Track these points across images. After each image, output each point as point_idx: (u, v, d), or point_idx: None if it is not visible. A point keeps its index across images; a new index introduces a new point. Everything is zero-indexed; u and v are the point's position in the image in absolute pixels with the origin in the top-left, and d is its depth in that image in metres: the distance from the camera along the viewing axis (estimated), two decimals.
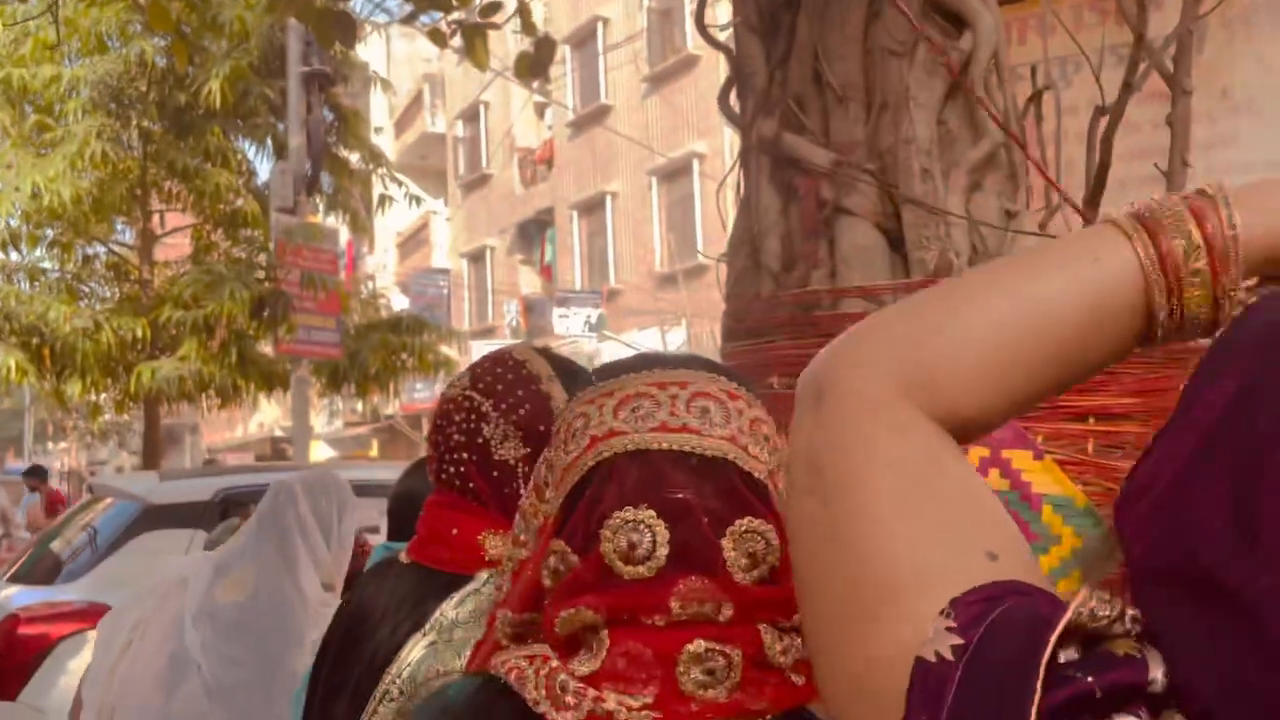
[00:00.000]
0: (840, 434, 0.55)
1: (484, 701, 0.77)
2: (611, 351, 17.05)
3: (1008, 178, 1.96)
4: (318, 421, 19.42)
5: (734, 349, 2.26)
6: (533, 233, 21.03)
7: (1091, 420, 1.77)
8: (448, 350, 10.28)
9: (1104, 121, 1.85)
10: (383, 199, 10.60)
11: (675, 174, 17.07)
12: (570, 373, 1.24)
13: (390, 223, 21.39)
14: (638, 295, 17.32)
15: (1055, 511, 1.76)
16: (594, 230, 19.30)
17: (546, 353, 1.25)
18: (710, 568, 0.74)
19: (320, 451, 22.66)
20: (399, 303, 16.32)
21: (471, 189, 22.66)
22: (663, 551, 0.74)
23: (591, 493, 0.77)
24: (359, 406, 12.17)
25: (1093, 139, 1.84)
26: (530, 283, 20.89)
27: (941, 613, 0.50)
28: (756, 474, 0.78)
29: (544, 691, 0.73)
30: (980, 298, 0.57)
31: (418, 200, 11.43)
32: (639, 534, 0.74)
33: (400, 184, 10.71)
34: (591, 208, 19.15)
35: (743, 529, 0.76)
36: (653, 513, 0.75)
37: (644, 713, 0.71)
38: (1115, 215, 0.58)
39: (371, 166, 10.61)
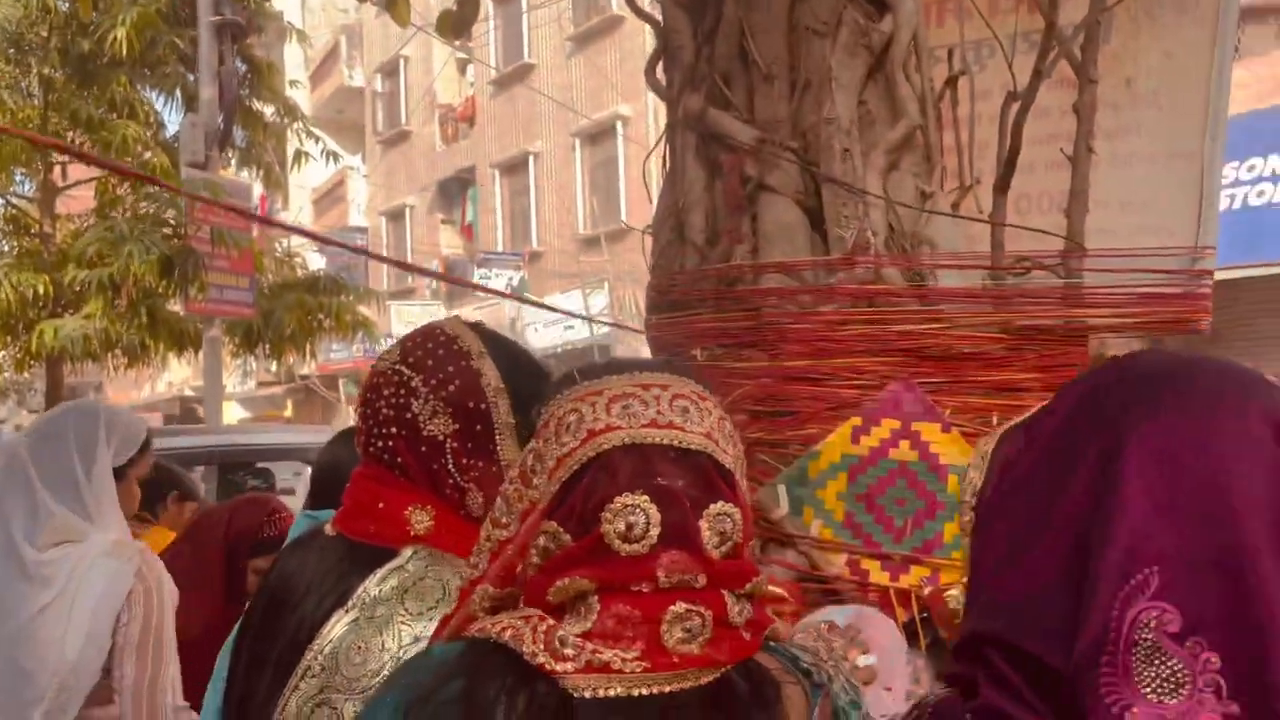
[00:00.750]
0: None
1: (474, 659, 0.85)
2: (533, 315, 16.97)
3: (923, 159, 2.02)
4: (230, 381, 18.93)
5: (659, 320, 2.29)
6: (454, 192, 20.71)
7: (995, 394, 1.85)
8: (366, 311, 10.10)
9: (1015, 106, 1.92)
10: (298, 154, 10.31)
11: (599, 136, 16.97)
12: (503, 348, 1.25)
13: (305, 179, 20.83)
14: (561, 257, 17.25)
15: (961, 482, 1.84)
16: (516, 190, 19.10)
17: (478, 328, 1.27)
18: (690, 544, 0.85)
19: (233, 412, 22.13)
20: (315, 262, 15.95)
21: (391, 145, 22.18)
22: (655, 531, 0.84)
23: (589, 480, 0.87)
24: (273, 367, 11.90)
25: (1004, 123, 1.91)
26: (451, 243, 20.60)
27: None
28: (727, 464, 0.89)
29: (542, 645, 0.83)
30: None
31: (335, 156, 11.15)
32: (635, 516, 0.84)
33: (317, 139, 10.43)
34: (514, 167, 18.94)
35: (716, 511, 0.87)
36: (646, 498, 0.85)
37: (636, 662, 0.82)
38: None
39: (286, 121, 10.28)
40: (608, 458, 0.86)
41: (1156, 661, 0.64)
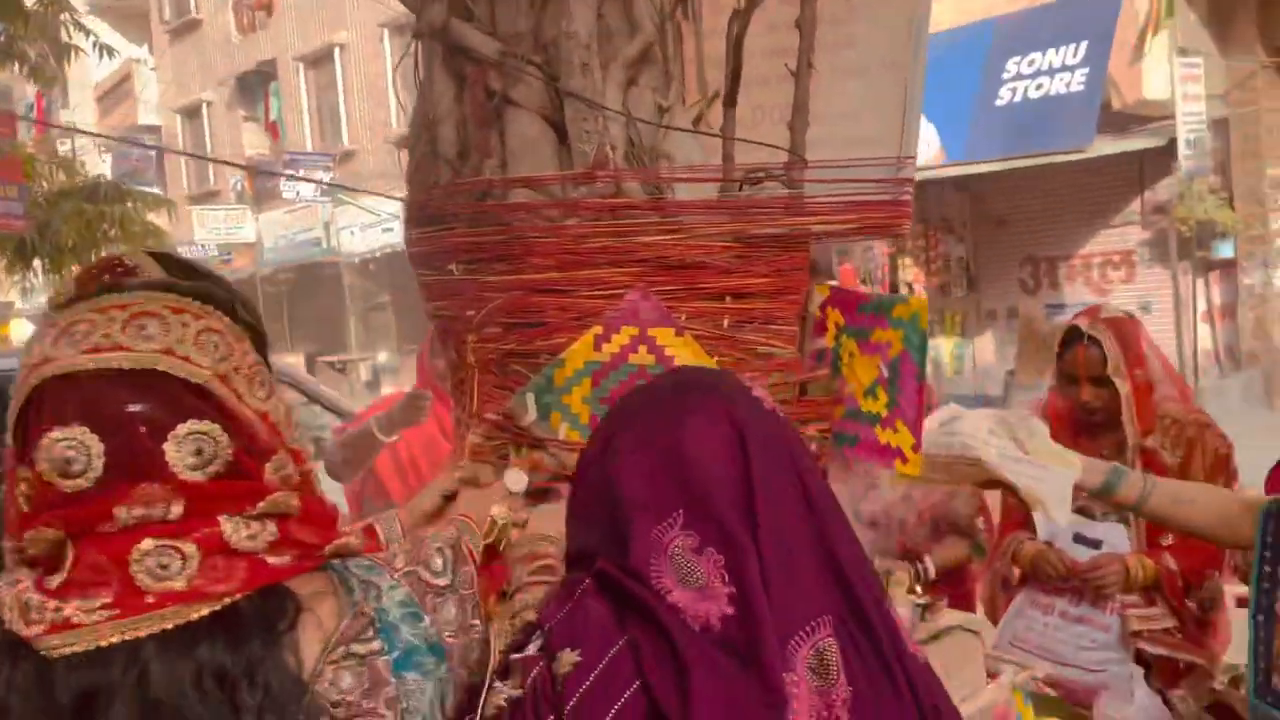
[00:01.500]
0: None
1: None
2: (349, 218, 16.35)
3: (661, 73, 2.08)
4: (14, 296, 17.50)
5: (418, 235, 2.29)
6: (254, 86, 19.44)
7: (728, 299, 1.98)
8: (155, 219, 9.50)
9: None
10: (66, 48, 9.43)
11: (409, 27, 16.21)
12: (196, 277, 1.22)
13: (87, 75, 19.08)
14: (375, 157, 16.59)
15: None
16: (323, 85, 18.13)
17: (164, 257, 1.22)
18: (153, 472, 0.81)
19: (24, 330, 20.54)
20: (98, 167, 14.77)
21: (180, 35, 20.51)
22: (99, 463, 0.80)
23: (29, 420, 0.82)
24: (56, 282, 11.08)
25: (730, 39, 1.99)
26: (255, 142, 19.44)
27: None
28: (198, 380, 0.85)
29: (16, 612, 0.79)
30: None
31: (109, 50, 10.25)
32: (74, 450, 0.80)
33: (87, 32, 9.55)
34: (318, 60, 17.93)
35: (185, 432, 0.83)
36: (85, 429, 0.80)
37: (101, 611, 0.78)
38: None
39: (52, 10, 9.35)
40: (41, 392, 0.81)
41: (686, 566, 0.99)
